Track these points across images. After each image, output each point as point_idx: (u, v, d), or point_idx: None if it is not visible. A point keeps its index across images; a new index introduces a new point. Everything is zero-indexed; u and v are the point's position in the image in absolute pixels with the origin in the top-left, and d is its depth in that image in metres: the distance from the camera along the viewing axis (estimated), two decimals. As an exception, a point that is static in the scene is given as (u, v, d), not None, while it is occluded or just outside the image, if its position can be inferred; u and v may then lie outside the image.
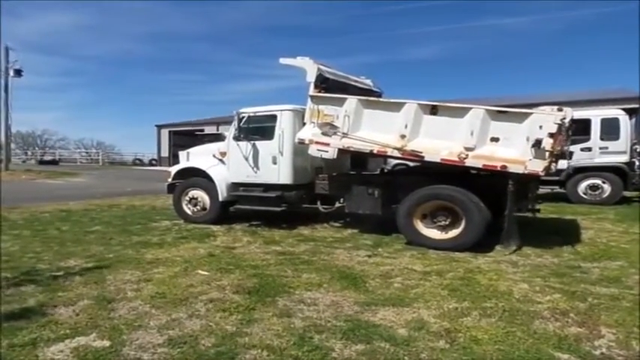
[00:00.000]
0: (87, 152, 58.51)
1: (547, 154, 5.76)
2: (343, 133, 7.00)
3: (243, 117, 8.40)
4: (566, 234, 7.51)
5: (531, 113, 6.01)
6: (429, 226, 6.67)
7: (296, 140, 7.59)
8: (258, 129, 8.43)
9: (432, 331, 3.55)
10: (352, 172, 8.61)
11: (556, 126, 5.71)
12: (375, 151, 6.92)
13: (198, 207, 8.96)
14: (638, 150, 12.83)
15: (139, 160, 52.52)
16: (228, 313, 3.92)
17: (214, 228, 8.37)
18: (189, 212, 9.07)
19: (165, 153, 49.23)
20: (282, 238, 7.39)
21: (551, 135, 5.71)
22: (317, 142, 7.23)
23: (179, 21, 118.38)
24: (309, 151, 7.39)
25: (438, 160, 6.41)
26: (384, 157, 7.23)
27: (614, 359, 3.10)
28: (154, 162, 49.29)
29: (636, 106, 16.79)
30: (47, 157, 50.28)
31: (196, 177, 8.99)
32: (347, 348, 3.25)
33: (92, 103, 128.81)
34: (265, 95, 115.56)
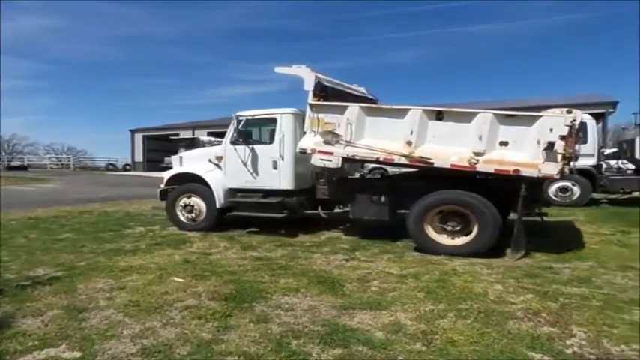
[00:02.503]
0: (57, 158, 56.80)
1: (559, 156, 5.75)
2: (347, 142, 6.85)
3: (242, 120, 8.14)
4: (537, 235, 7.67)
5: (541, 116, 5.97)
6: (440, 232, 6.55)
7: (297, 150, 7.36)
8: (258, 133, 8.17)
9: (409, 333, 3.57)
10: (356, 177, 8.35)
11: (567, 128, 5.70)
12: (381, 159, 6.76)
13: (193, 214, 8.65)
14: (605, 153, 13.27)
15: (112, 165, 51.55)
16: (204, 320, 3.86)
17: (190, 234, 8.24)
18: (183, 220, 8.76)
19: (139, 158, 48.44)
20: (259, 244, 7.33)
21: (562, 137, 5.69)
22: (320, 152, 7.04)
23: (154, 24, 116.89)
24: (312, 161, 7.19)
25: (448, 167, 6.30)
26: (391, 164, 6.97)
27: (585, 358, 3.17)
28: (127, 167, 48.43)
29: (603, 111, 17.40)
30: (15, 163, 48.72)
31: (191, 183, 8.71)
32: (324, 352, 3.23)
33: (63, 108, 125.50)
34: (242, 100, 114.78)
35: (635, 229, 8.41)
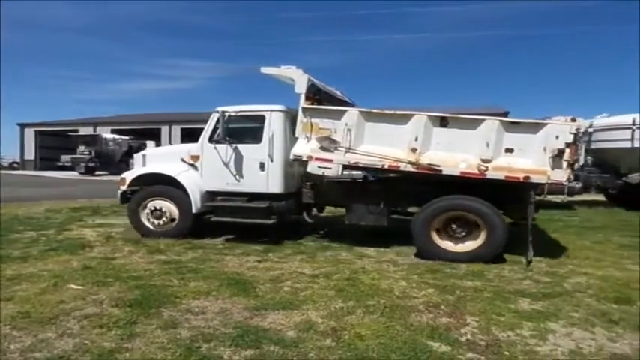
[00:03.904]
0: None
1: (565, 163, 5.93)
2: (347, 148, 6.57)
3: (224, 116, 7.35)
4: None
5: (546, 124, 6.12)
6: (444, 238, 6.46)
7: (291, 157, 6.89)
8: (242, 131, 7.57)
9: (319, 330, 3.67)
10: (352, 180, 8.00)
11: (572, 136, 5.87)
12: (386, 166, 6.53)
13: (163, 220, 7.78)
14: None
15: (-4, 163, 46.36)
16: (106, 328, 3.64)
17: (91, 238, 7.69)
18: (150, 226, 7.83)
19: (30, 155, 44.32)
20: (167, 247, 6.99)
21: (567, 145, 5.88)
22: (317, 159, 6.66)
23: (60, 10, 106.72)
24: (309, 169, 6.81)
25: (457, 174, 6.23)
26: (397, 172, 6.76)
27: (477, 344, 3.49)
28: (15, 165, 43.98)
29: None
30: None
31: (160, 185, 7.85)
32: (236, 354, 3.21)
33: None
34: (147, 96, 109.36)
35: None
